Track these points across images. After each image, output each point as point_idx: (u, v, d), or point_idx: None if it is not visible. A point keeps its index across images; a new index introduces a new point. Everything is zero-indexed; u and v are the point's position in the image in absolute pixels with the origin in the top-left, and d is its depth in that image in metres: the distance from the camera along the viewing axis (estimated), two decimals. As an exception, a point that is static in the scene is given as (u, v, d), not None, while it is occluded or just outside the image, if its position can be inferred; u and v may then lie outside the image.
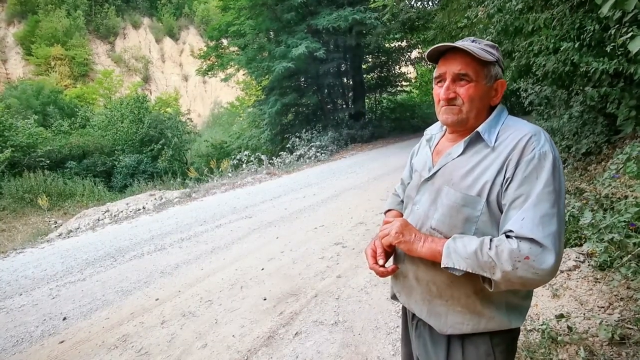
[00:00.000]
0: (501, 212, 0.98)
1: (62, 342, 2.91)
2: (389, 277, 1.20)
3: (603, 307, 2.27)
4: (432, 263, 1.04)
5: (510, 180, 0.95)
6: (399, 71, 19.43)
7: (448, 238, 1.02)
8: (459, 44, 1.03)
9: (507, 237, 0.92)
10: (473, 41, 1.05)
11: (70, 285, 4.00)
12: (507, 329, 1.05)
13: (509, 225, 0.92)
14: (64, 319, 3.27)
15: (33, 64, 33.24)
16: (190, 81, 43.03)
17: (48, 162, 13.84)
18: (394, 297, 1.29)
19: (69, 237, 6.37)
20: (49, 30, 33.98)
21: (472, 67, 1.03)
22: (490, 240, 0.93)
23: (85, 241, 5.74)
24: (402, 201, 1.37)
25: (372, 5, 9.60)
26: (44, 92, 23.08)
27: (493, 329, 1.03)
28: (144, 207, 8.15)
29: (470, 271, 0.94)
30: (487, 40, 1.24)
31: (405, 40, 17.45)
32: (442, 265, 0.97)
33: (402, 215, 1.31)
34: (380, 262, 1.13)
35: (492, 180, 0.98)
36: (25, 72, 32.64)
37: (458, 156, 1.07)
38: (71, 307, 3.46)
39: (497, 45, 1.10)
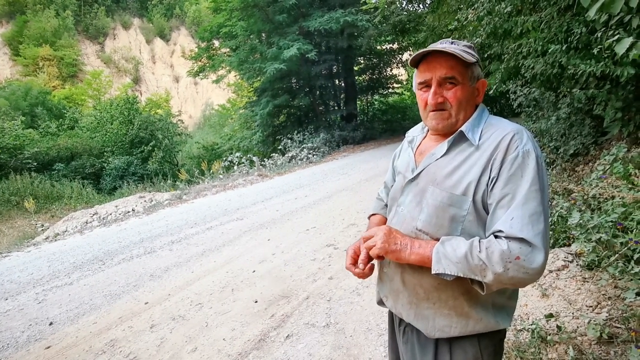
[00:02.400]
0: (487, 211, 0.98)
1: (48, 347, 2.85)
2: (376, 282, 1.19)
3: (591, 307, 2.30)
4: (419, 266, 1.03)
5: (496, 180, 0.95)
6: (391, 73, 19.55)
7: (434, 239, 1.01)
8: (441, 47, 1.02)
9: (496, 237, 0.92)
10: (452, 43, 1.04)
11: (57, 289, 3.92)
12: (494, 331, 1.04)
13: (497, 225, 0.92)
14: (51, 323, 3.20)
15: (21, 64, 32.74)
16: (181, 82, 42.76)
17: (35, 164, 13.64)
18: (380, 302, 1.27)
19: (56, 240, 6.26)
20: (37, 31, 33.51)
21: (457, 69, 1.02)
22: (479, 241, 0.93)
23: (73, 244, 5.65)
24: (386, 205, 1.36)
25: (364, 8, 9.66)
26: (31, 93, 22.74)
27: (481, 330, 1.03)
28: (133, 210, 8.06)
29: (462, 275, 0.93)
30: (473, 42, 1.24)
31: (396, 43, 17.52)
32: (432, 272, 0.96)
33: (386, 220, 1.31)
34: (361, 266, 1.12)
35: (477, 179, 0.97)
36: (13, 73, 32.13)
37: (442, 156, 1.07)
38: (58, 312, 3.40)
39: (473, 45, 1.10)
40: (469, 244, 0.93)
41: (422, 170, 1.09)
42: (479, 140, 1.02)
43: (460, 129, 1.05)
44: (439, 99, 1.04)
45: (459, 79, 1.02)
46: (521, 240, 0.88)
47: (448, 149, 1.06)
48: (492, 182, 0.96)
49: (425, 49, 1.04)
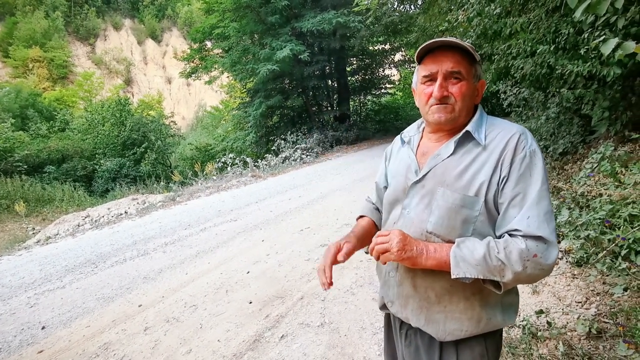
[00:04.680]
0: (497, 211, 0.98)
1: (41, 351, 2.82)
2: (379, 285, 1.19)
3: (580, 302, 2.34)
4: (431, 269, 1.02)
5: (507, 179, 0.96)
6: (383, 74, 19.60)
7: (446, 241, 1.01)
8: (451, 40, 1.02)
9: (511, 235, 0.93)
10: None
11: (49, 293, 3.89)
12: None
13: (513, 224, 0.93)
14: (43, 328, 3.18)
15: (10, 66, 32.32)
16: (174, 84, 42.51)
17: (25, 166, 13.47)
18: (383, 307, 1.24)
19: (47, 243, 6.20)
20: (27, 32, 33.12)
21: (463, 65, 1.03)
22: (496, 242, 0.93)
23: (65, 247, 5.60)
24: (376, 208, 1.35)
25: (356, 9, 9.69)
26: (21, 95, 22.45)
27: (489, 330, 1.03)
28: (126, 212, 8.00)
29: (481, 277, 0.93)
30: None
31: (388, 43, 17.60)
32: (452, 276, 0.94)
33: (373, 223, 1.31)
34: (328, 274, 1.08)
35: (488, 179, 0.97)
36: (2, 75, 31.71)
37: (448, 156, 1.05)
38: (50, 316, 3.37)
39: (474, 46, 1.11)
40: (486, 245, 0.93)
41: (428, 172, 1.07)
42: (485, 140, 1.02)
43: (466, 128, 1.04)
44: (445, 93, 1.03)
45: (464, 74, 1.03)
46: (538, 238, 0.90)
47: (455, 149, 1.05)
48: (502, 181, 0.97)
49: (433, 40, 1.03)
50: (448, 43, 1.02)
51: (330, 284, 1.08)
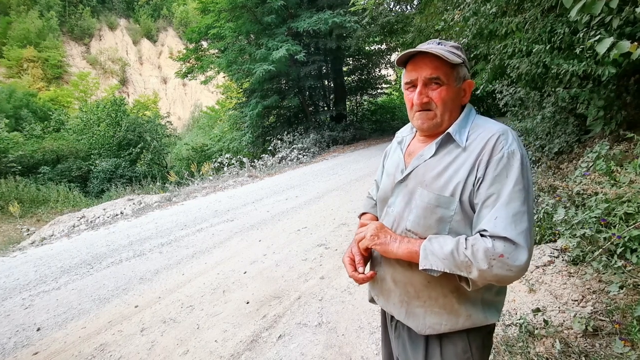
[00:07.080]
0: (474, 211, 1.00)
1: (36, 353, 2.80)
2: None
3: (577, 301, 2.35)
4: (409, 264, 1.06)
5: (482, 180, 0.97)
6: (379, 74, 19.64)
7: (423, 239, 1.03)
8: (426, 47, 1.04)
9: (482, 235, 0.94)
10: (439, 43, 1.06)
11: (44, 294, 3.86)
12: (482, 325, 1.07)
13: (482, 224, 0.95)
14: (38, 329, 3.15)
15: (4, 66, 32.10)
16: (170, 84, 42.38)
17: (20, 167, 13.39)
18: (372, 300, 1.30)
19: (42, 244, 6.15)
20: (21, 32, 32.94)
21: (442, 70, 1.04)
22: (465, 239, 0.95)
23: (60, 248, 5.55)
24: (376, 204, 1.37)
25: (352, 9, 9.68)
26: (15, 95, 22.31)
27: (470, 326, 1.06)
28: (122, 212, 7.96)
29: (448, 271, 0.95)
30: (460, 42, 1.25)
31: (384, 43, 17.64)
32: (420, 267, 0.98)
33: (377, 218, 1.33)
34: (360, 269, 1.14)
35: (464, 180, 0.99)
36: (-5, 75, 31.48)
37: (430, 157, 1.08)
38: (45, 317, 3.34)
39: (460, 46, 1.11)
40: (456, 241, 0.96)
41: (410, 172, 1.11)
42: (466, 141, 1.04)
43: (447, 130, 1.06)
44: (424, 99, 1.06)
45: (444, 79, 1.04)
46: (505, 239, 0.90)
47: (436, 150, 1.08)
48: (478, 182, 0.98)
49: (410, 50, 1.05)
50: (423, 50, 1.03)
51: (367, 277, 1.14)
